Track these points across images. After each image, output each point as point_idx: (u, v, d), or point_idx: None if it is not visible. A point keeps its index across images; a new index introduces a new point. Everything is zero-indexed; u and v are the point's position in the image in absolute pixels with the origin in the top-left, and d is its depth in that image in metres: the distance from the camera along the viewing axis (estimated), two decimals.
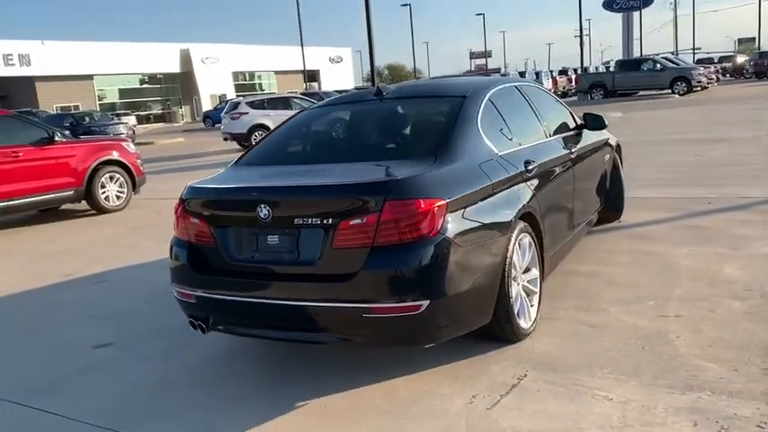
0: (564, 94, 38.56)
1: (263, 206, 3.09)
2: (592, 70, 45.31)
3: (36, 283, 5.90)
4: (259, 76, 65.37)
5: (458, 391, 3.08)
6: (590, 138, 5.27)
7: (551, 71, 45.77)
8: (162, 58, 54.88)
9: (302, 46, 42.80)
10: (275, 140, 4.06)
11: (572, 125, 5.18)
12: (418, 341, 3.05)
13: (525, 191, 3.71)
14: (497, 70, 68.59)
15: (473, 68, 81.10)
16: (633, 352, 3.32)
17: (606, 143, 5.70)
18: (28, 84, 46.90)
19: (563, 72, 46.30)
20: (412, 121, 4.08)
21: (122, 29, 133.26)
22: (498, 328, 3.43)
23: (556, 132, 4.73)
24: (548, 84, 37.20)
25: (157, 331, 4.24)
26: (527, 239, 3.65)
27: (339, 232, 2.96)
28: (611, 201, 5.86)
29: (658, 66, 29.47)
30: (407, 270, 2.91)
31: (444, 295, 2.98)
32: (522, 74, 37.65)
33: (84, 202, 9.65)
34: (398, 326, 2.95)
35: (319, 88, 52.65)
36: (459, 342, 3.48)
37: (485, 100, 3.90)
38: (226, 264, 3.28)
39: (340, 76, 65.76)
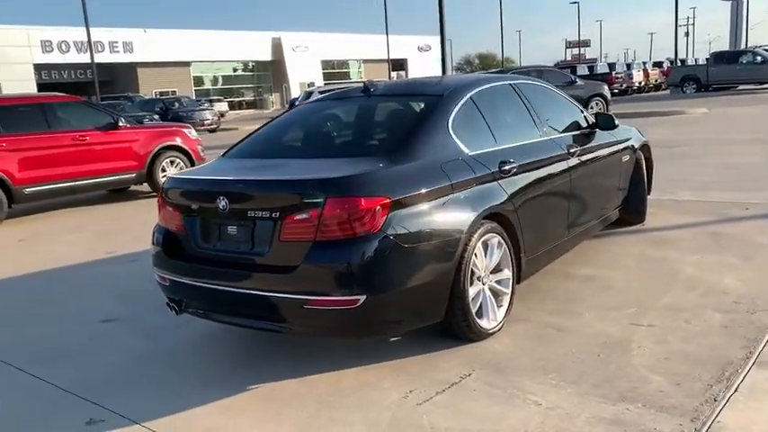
0: (657, 87, 36.88)
1: (221, 198, 3.28)
2: (690, 62, 42.96)
3: (82, 257, 6.41)
4: (347, 65, 66.25)
5: (398, 386, 3.16)
6: (603, 138, 5.15)
7: (644, 63, 43.76)
8: (255, 46, 56.65)
9: (387, 34, 43.05)
10: (261, 134, 4.24)
11: (584, 125, 5.08)
12: (357, 334, 3.16)
13: (497, 191, 3.71)
14: (593, 60, 66.35)
15: (569, 58, 78.92)
16: (585, 359, 3.29)
17: (626, 143, 5.54)
18: (130, 70, 49.70)
19: (657, 64, 44.19)
20: (385, 120, 4.15)
21: (219, 18, 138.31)
22: (456, 327, 3.48)
23: (560, 132, 4.66)
24: (638, 76, 35.64)
25: (160, 309, 4.54)
26: (496, 240, 3.66)
27: (285, 226, 3.10)
28: (631, 203, 5.70)
29: (758, 58, 27.62)
30: (345, 265, 3.02)
31: (383, 291, 3.07)
32: (611, 65, 36.27)
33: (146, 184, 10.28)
34: (337, 318, 3.07)
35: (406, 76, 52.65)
36: (418, 337, 3.56)
37: (464, 99, 3.91)
38: (194, 251, 3.50)
39: (428, 64, 65.56)
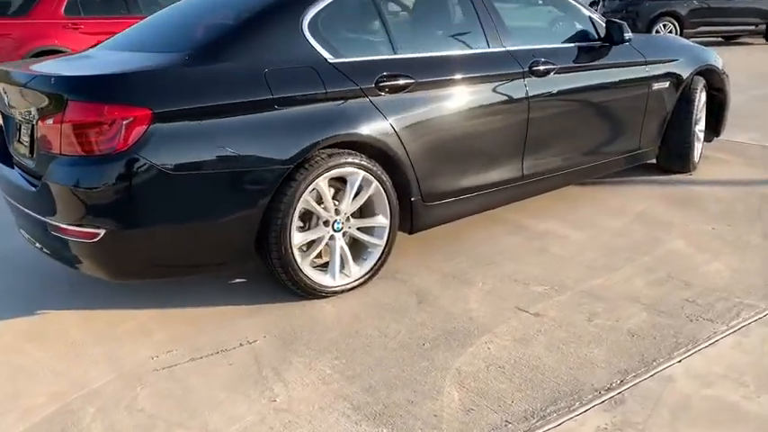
0: None
1: (5, 93, 2.79)
2: None
3: None
4: None
5: (161, 343, 2.59)
6: (621, 55, 3.90)
7: None
8: None
9: None
10: (138, 26, 3.60)
11: (593, 36, 3.86)
12: (105, 273, 2.58)
13: (366, 113, 2.84)
14: None
15: None
16: (402, 346, 2.47)
17: (668, 66, 4.18)
18: None
19: None
20: (239, 12, 3.28)
21: None
22: (277, 279, 2.79)
23: (534, 44, 3.55)
24: None
25: None
26: (358, 177, 2.84)
27: (38, 131, 2.56)
28: (671, 146, 4.39)
29: None
30: (83, 189, 2.42)
31: (132, 227, 2.46)
32: None
33: None
34: (80, 252, 2.52)
35: None
36: (260, 287, 2.94)
37: None
38: (10, 157, 3.07)
39: None
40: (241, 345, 2.54)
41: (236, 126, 2.55)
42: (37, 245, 2.77)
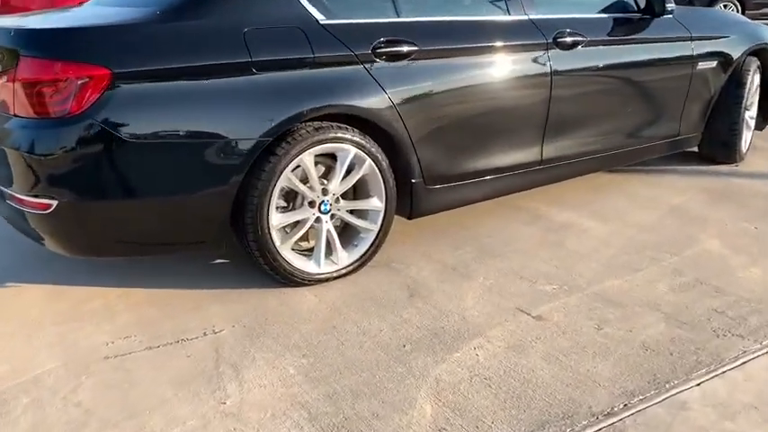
0: None
1: None
2: None
3: None
4: None
5: (122, 328, 2.37)
6: (663, 30, 3.50)
7: None
8: None
9: None
10: None
11: (632, 7, 3.47)
12: (63, 248, 2.36)
13: (360, 83, 2.55)
14: None
15: None
16: (372, 351, 2.19)
17: (717, 45, 3.75)
18: None
19: None
20: None
21: None
22: (258, 262, 2.54)
23: (561, 13, 3.18)
24: None
25: None
26: (349, 154, 2.55)
27: None
28: (716, 133, 3.97)
29: None
30: (35, 156, 2.19)
31: (87, 199, 2.23)
32: None
33: None
34: (35, 223, 2.30)
35: None
36: (243, 271, 2.70)
37: None
38: None
39: None
40: (205, 334, 2.30)
41: (207, 92, 2.29)
42: (3, 216, 2.58)
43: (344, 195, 2.68)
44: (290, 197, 2.59)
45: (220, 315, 2.42)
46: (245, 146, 2.33)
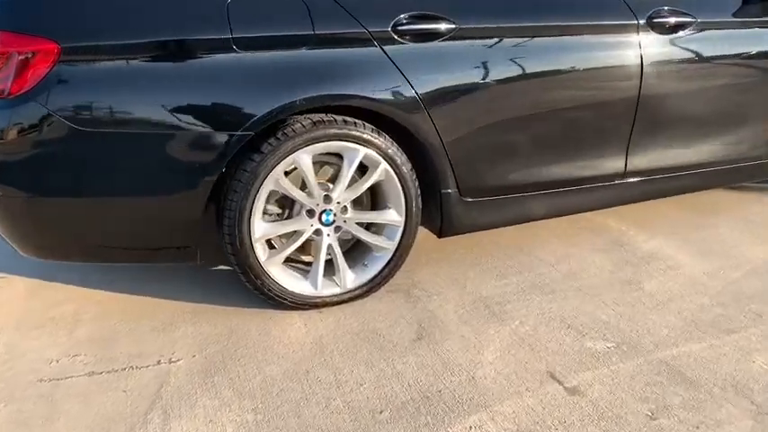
0: None
1: None
2: None
3: None
4: None
5: (72, 342, 2.06)
6: None
7: None
8: None
9: None
10: None
11: None
12: (20, 249, 2.05)
13: (376, 67, 2.05)
14: None
15: None
16: (341, 405, 1.71)
17: None
18: None
19: None
20: None
21: None
22: (241, 278, 2.13)
23: None
24: None
25: None
26: (358, 155, 2.08)
27: None
28: None
29: None
30: None
31: (28, 195, 1.91)
32: None
33: None
34: None
35: None
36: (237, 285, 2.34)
37: None
38: None
39: None
40: (159, 362, 1.93)
41: (175, 73, 1.89)
42: None
43: (358, 204, 2.21)
44: (287, 203, 2.15)
45: (187, 339, 2.04)
46: (219, 139, 1.91)
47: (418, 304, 2.22)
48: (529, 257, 2.54)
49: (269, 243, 2.19)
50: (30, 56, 1.78)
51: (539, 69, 2.25)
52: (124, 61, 1.84)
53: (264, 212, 2.13)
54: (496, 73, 2.19)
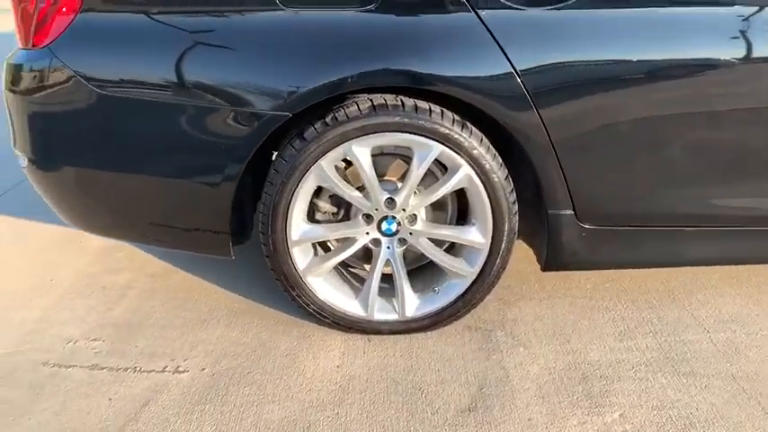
0: None
1: None
2: None
3: None
4: None
5: (93, 328, 1.88)
6: None
7: None
8: None
9: None
10: None
11: None
12: (58, 213, 1.87)
13: (462, 40, 1.52)
14: None
15: None
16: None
17: None
18: None
19: None
20: None
21: None
22: (277, 285, 1.79)
23: None
24: None
25: None
26: (430, 152, 1.60)
27: None
28: None
29: None
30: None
31: (45, 157, 1.71)
32: None
33: None
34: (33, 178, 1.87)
35: None
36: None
37: None
38: None
39: None
40: (164, 370, 1.67)
41: (204, 34, 1.54)
42: None
43: (440, 214, 1.74)
44: (344, 202, 1.73)
45: (209, 344, 1.76)
46: (247, 120, 1.54)
47: (493, 355, 1.69)
48: (678, 312, 1.84)
49: (324, 246, 1.81)
50: (50, 4, 1.55)
51: (702, 53, 1.53)
52: (150, 17, 1.55)
53: (317, 210, 1.74)
54: (646, 52, 1.52)
